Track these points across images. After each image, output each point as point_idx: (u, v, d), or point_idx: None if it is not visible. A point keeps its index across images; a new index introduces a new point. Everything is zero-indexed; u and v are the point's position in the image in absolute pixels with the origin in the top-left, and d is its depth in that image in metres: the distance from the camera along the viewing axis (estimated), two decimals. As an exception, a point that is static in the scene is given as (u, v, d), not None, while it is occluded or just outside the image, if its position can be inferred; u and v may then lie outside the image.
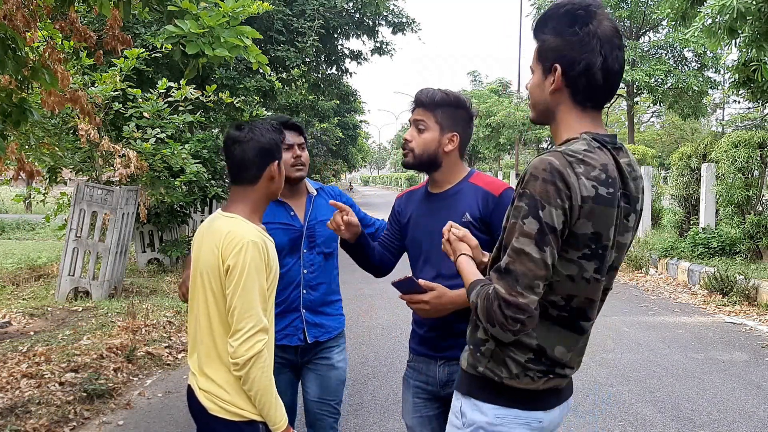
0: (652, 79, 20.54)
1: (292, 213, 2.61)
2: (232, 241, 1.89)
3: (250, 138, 1.99)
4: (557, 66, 1.54)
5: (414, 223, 2.28)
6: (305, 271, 2.60)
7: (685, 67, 21.94)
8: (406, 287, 1.96)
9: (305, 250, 2.60)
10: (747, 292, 7.92)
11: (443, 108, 2.18)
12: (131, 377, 4.86)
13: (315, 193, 2.69)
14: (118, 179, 7.81)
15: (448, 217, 2.15)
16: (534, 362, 1.57)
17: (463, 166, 2.25)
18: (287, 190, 2.57)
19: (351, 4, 14.19)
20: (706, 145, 11.02)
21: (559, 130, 1.59)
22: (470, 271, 1.66)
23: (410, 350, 2.32)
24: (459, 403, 1.67)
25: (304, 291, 2.60)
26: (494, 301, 1.46)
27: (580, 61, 1.51)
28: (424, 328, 2.22)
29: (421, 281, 1.98)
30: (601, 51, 1.50)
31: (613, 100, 26.14)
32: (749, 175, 9.62)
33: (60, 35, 4.64)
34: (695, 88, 20.53)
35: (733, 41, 8.08)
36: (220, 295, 1.90)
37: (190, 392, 1.98)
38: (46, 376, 4.49)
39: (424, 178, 2.38)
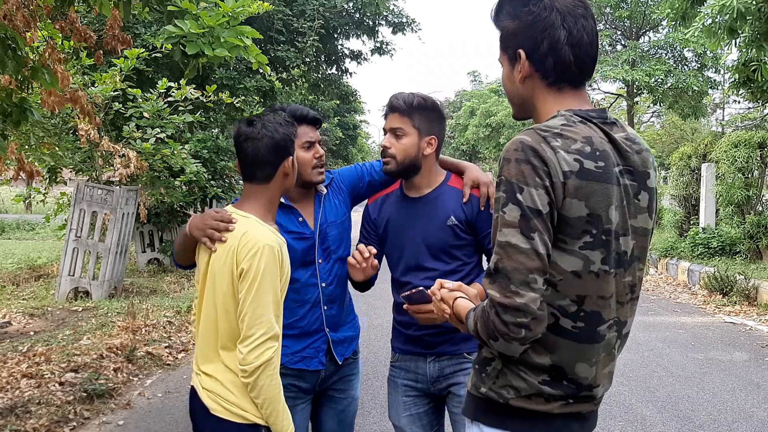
0: (652, 79, 20.53)
1: (300, 219, 2.25)
2: (248, 244, 1.82)
3: (264, 134, 1.90)
4: (520, 51, 1.41)
5: (393, 228, 2.26)
6: (323, 285, 2.25)
7: (685, 67, 21.93)
8: (417, 299, 1.88)
9: (320, 260, 2.25)
10: (747, 292, 7.92)
11: (420, 112, 2.16)
12: (131, 377, 4.86)
13: (324, 191, 2.34)
14: (118, 179, 7.82)
15: (431, 221, 2.16)
16: (550, 384, 1.36)
17: (440, 169, 2.25)
18: (298, 192, 2.27)
19: (351, 4, 14.19)
20: (706, 145, 11.03)
21: (541, 119, 1.43)
22: (465, 306, 1.49)
23: (394, 350, 2.32)
24: (470, 430, 1.47)
25: (325, 307, 2.27)
26: (490, 310, 1.29)
27: (542, 40, 1.37)
28: (411, 328, 2.21)
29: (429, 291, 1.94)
30: (564, 24, 1.36)
31: (614, 100, 26.15)
32: (749, 175, 9.63)
33: (60, 35, 4.64)
34: (695, 88, 20.51)
35: (733, 41, 8.08)
36: (231, 296, 1.85)
37: (193, 392, 1.94)
38: (46, 376, 4.49)
39: None
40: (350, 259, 2.18)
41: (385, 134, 2.22)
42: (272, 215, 1.98)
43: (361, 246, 2.17)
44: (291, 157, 1.96)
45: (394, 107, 2.18)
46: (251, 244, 1.82)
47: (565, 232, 1.30)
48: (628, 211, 1.37)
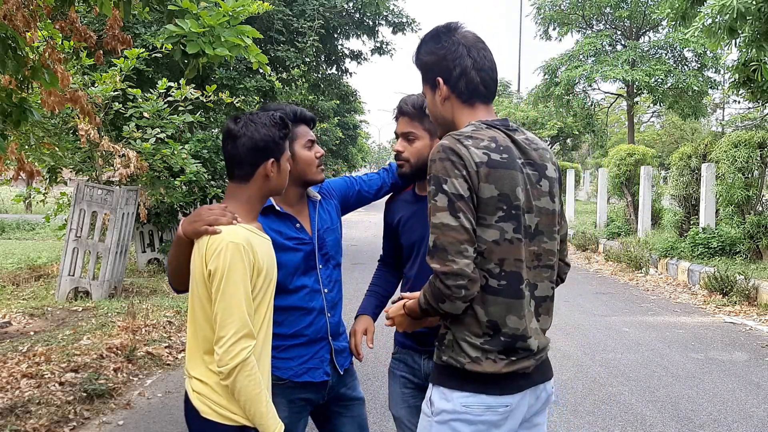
0: (652, 79, 20.55)
1: (297, 225, 2.22)
2: (213, 244, 1.81)
3: (243, 133, 1.89)
4: (439, 79, 1.79)
5: (404, 226, 2.29)
6: (326, 291, 2.25)
7: (685, 67, 21.95)
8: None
9: (321, 266, 2.25)
10: (747, 292, 7.91)
11: None
12: (131, 377, 4.85)
13: (318, 197, 2.34)
14: (118, 179, 7.82)
15: None
16: (491, 343, 1.67)
17: None
18: (295, 197, 2.26)
19: (351, 4, 14.17)
20: (706, 145, 11.02)
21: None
22: (414, 300, 1.79)
23: (396, 342, 2.35)
24: (429, 392, 1.77)
25: (329, 314, 2.25)
26: (435, 279, 1.62)
27: (455, 67, 1.76)
28: None
29: (385, 311, 1.98)
30: (470, 54, 1.77)
31: (614, 100, 26.09)
32: (749, 175, 9.62)
33: (60, 35, 4.64)
34: (695, 88, 20.54)
35: (733, 41, 8.07)
36: (206, 299, 1.84)
37: (186, 395, 1.94)
38: (46, 376, 4.49)
39: None
40: (352, 344, 2.35)
41: (397, 138, 2.25)
42: (253, 215, 1.96)
43: (359, 348, 2.34)
44: (273, 159, 1.92)
45: (403, 111, 2.22)
46: (216, 243, 1.81)
47: (483, 211, 1.64)
48: (533, 195, 1.73)
